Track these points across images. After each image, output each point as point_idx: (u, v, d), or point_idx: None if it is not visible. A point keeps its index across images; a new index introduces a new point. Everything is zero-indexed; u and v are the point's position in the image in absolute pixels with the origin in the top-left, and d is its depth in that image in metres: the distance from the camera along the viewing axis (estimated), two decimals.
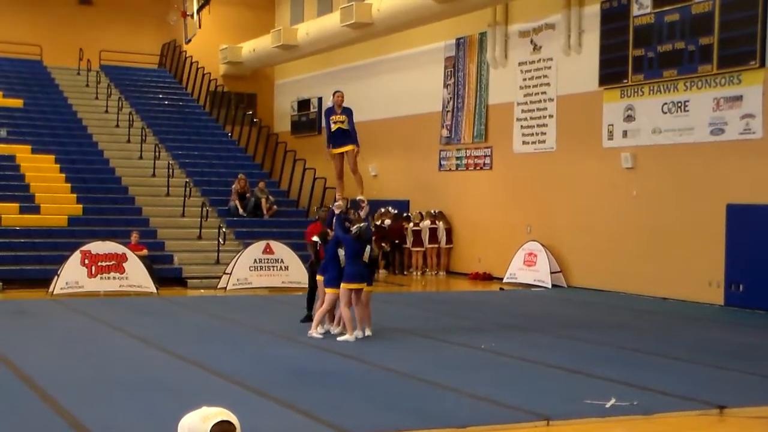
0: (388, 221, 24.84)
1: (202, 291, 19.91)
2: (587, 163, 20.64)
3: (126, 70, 31.26)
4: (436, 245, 24.56)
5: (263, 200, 24.23)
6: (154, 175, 24.78)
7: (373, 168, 27.19)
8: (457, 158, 24.65)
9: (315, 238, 14.07)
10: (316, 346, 12.54)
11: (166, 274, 20.53)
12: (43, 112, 27.00)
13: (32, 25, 30.70)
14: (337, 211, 13.34)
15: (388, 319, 14.89)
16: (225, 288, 19.84)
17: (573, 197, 21.02)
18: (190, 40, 30.20)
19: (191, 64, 31.23)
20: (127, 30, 32.09)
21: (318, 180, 25.56)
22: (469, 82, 24.08)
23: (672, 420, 8.66)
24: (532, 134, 22.16)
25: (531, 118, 22.20)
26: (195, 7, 29.35)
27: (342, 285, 12.97)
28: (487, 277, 23.14)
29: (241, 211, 23.80)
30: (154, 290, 19.01)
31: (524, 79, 22.40)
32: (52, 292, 18.39)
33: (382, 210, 25.32)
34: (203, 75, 30.69)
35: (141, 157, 25.47)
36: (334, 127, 13.87)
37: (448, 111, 24.84)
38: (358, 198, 13.96)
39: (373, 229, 16.40)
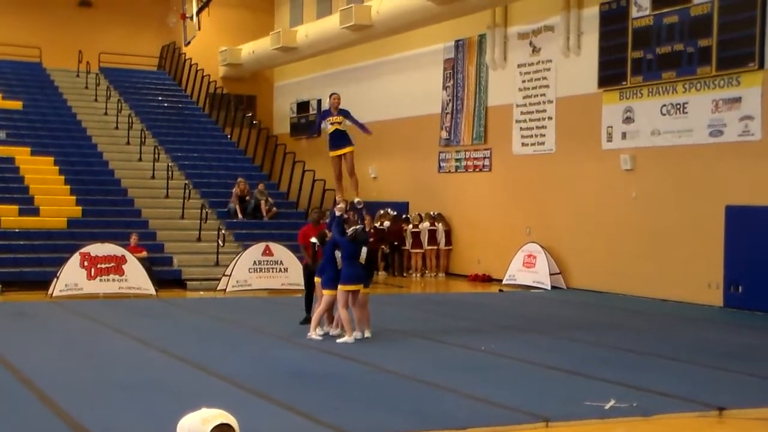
0: (387, 223, 24.85)
1: (201, 293, 19.91)
2: (586, 164, 20.64)
3: (125, 72, 31.23)
4: (436, 247, 24.55)
5: (263, 202, 24.22)
6: (153, 177, 24.77)
7: (372, 170, 27.18)
8: (457, 160, 24.65)
9: (314, 240, 14.16)
10: (315, 347, 12.55)
11: (166, 276, 20.54)
12: (43, 114, 26.99)
13: (32, 27, 30.69)
14: (338, 213, 13.37)
15: (387, 320, 14.90)
16: (224, 290, 19.84)
17: (572, 199, 21.02)
18: (189, 42, 30.17)
19: (191, 66, 31.23)
20: (127, 32, 32.09)
21: (317, 182, 25.58)
22: (469, 84, 24.09)
23: (671, 421, 8.67)
24: (532, 136, 22.17)
25: (530, 120, 22.20)
26: (194, 9, 29.33)
27: (339, 287, 12.99)
28: (487, 279, 23.15)
29: (240, 216, 23.82)
30: (154, 292, 19.01)
31: (523, 81, 22.40)
32: (52, 294, 18.39)
33: (382, 212, 25.32)
34: (203, 77, 30.71)
35: (140, 159, 25.47)
36: (331, 128, 13.91)
37: (447, 113, 24.84)
38: (355, 200, 14.05)
39: (372, 230, 16.42)
